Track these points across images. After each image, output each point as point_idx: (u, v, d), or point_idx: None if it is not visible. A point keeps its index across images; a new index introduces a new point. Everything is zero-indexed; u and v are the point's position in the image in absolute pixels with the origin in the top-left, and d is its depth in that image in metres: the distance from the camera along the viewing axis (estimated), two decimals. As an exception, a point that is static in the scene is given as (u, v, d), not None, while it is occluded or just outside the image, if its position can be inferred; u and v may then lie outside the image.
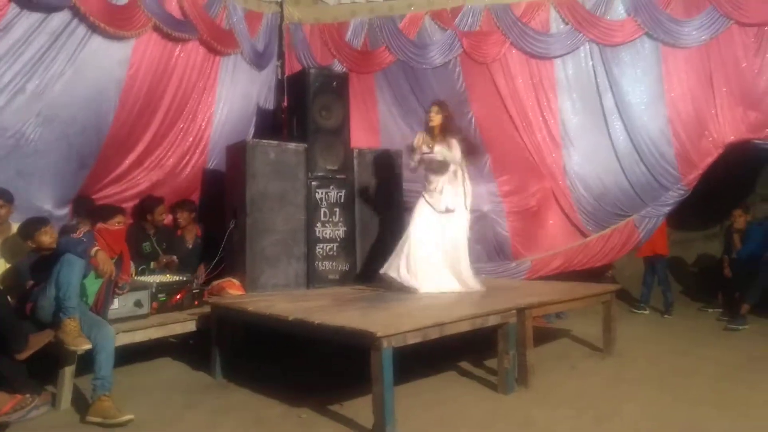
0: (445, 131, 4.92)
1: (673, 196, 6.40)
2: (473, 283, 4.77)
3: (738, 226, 6.70)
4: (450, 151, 4.83)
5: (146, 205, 5.68)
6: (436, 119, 4.92)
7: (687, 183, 6.34)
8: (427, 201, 4.92)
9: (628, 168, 6.51)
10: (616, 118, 6.52)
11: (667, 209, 6.47)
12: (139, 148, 5.77)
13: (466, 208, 4.92)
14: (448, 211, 4.84)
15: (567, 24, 6.61)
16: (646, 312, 6.85)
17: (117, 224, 4.17)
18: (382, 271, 4.85)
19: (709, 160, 6.30)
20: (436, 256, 4.79)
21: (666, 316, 6.65)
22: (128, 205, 5.71)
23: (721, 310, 6.50)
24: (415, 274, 4.69)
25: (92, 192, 5.50)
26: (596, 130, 6.60)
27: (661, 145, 6.41)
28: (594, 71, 6.59)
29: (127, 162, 5.74)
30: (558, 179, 6.72)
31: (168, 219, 5.98)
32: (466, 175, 5.00)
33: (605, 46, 6.53)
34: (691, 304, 7.12)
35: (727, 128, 6.23)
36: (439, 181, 4.90)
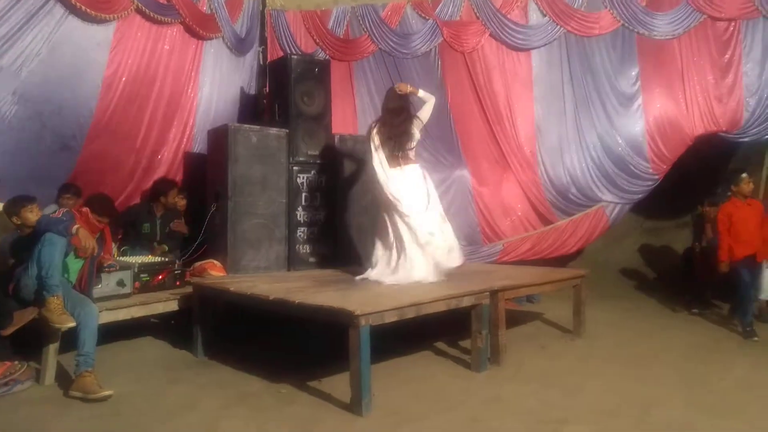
0: None
1: (644, 185, 6.63)
2: None
3: (711, 215, 6.90)
4: None
5: (160, 187, 5.74)
6: None
7: (657, 172, 6.57)
8: None
9: (601, 157, 6.72)
10: (590, 109, 6.73)
11: (637, 197, 6.69)
12: (135, 134, 5.83)
13: None
14: None
15: (545, 16, 6.77)
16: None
17: (97, 222, 4.14)
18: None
19: (679, 151, 6.52)
20: None
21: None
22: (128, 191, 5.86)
23: (687, 295, 6.72)
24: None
25: (90, 179, 5.49)
26: (570, 120, 6.80)
27: (634, 136, 6.62)
28: (570, 63, 6.79)
29: (127, 149, 5.80)
30: (529, 168, 6.90)
31: (182, 203, 6.05)
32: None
33: (582, 38, 6.72)
34: (660, 290, 7.33)
35: (697, 121, 6.45)
36: None
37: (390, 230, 4.56)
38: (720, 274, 5.46)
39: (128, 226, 5.56)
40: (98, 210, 4.16)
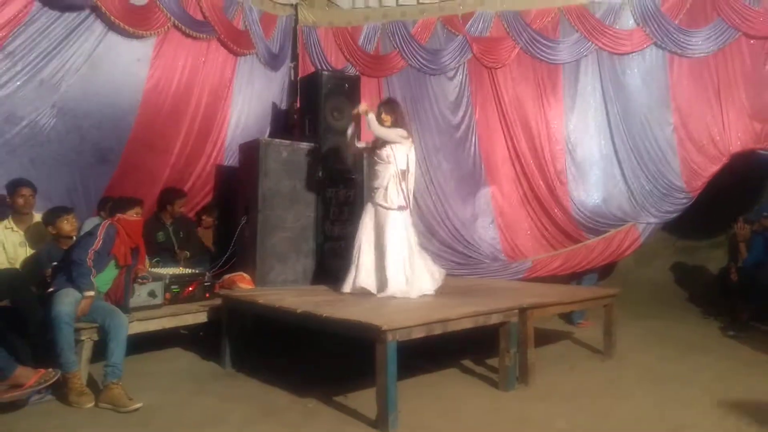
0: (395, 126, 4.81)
1: (677, 203, 6.51)
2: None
3: (745, 234, 6.74)
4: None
5: (166, 196, 5.84)
6: (387, 120, 4.79)
7: (691, 190, 6.44)
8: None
9: (632, 175, 6.64)
10: (621, 126, 6.66)
11: (671, 216, 6.56)
12: (171, 149, 5.99)
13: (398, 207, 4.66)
14: (401, 209, 4.66)
15: (576, 32, 6.74)
16: None
17: (134, 215, 4.27)
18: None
19: (714, 169, 6.40)
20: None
21: None
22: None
23: (723, 317, 6.55)
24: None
25: (125, 191, 5.53)
26: (600, 136, 6.74)
27: (666, 153, 6.53)
28: (601, 79, 6.74)
29: (161, 162, 5.95)
30: (554, 186, 6.84)
31: (208, 221, 6.28)
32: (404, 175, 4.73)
33: (613, 55, 6.66)
34: (694, 311, 7.16)
35: (733, 138, 6.34)
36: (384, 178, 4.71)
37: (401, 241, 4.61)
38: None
39: (147, 243, 5.65)
40: (126, 207, 4.24)
